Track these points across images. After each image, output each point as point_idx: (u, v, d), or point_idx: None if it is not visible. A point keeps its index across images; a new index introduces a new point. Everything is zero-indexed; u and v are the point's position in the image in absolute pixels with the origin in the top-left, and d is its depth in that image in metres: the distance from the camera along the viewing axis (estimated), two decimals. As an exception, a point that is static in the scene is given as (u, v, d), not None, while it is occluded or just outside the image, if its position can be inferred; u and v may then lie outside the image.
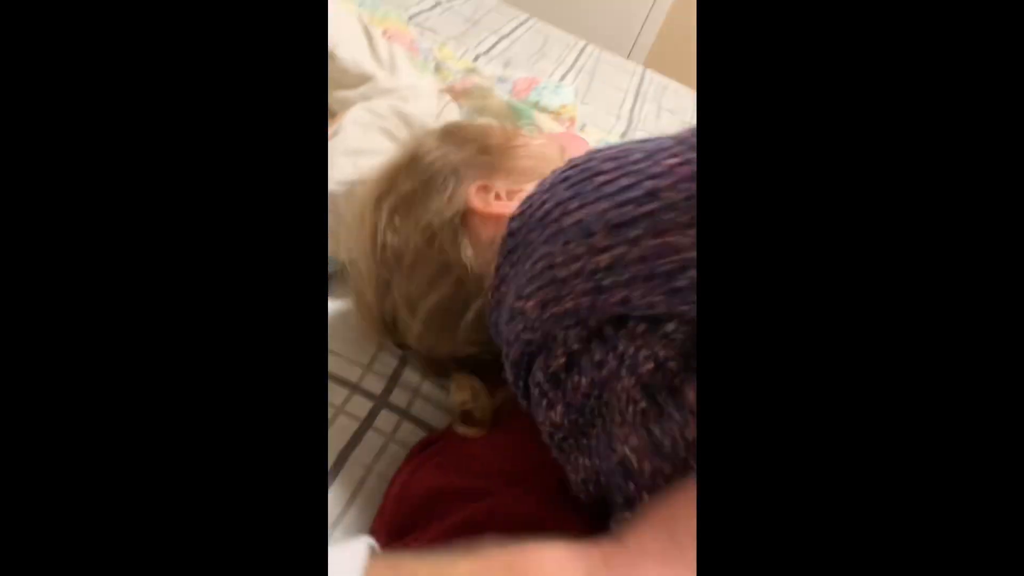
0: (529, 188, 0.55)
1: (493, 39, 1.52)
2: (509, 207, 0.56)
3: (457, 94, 1.02)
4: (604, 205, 0.47)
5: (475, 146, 0.65)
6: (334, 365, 0.67)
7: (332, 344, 0.68)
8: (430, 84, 1.01)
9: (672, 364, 0.46)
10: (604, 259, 0.46)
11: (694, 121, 0.59)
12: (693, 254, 0.44)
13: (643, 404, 0.46)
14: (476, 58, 1.39)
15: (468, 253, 0.59)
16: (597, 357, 0.48)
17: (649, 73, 1.71)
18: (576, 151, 0.58)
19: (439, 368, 0.68)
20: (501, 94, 1.03)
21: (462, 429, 0.60)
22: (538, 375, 0.51)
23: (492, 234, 0.56)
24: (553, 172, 0.53)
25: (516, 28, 1.64)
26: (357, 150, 0.77)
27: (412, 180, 0.63)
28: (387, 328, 0.66)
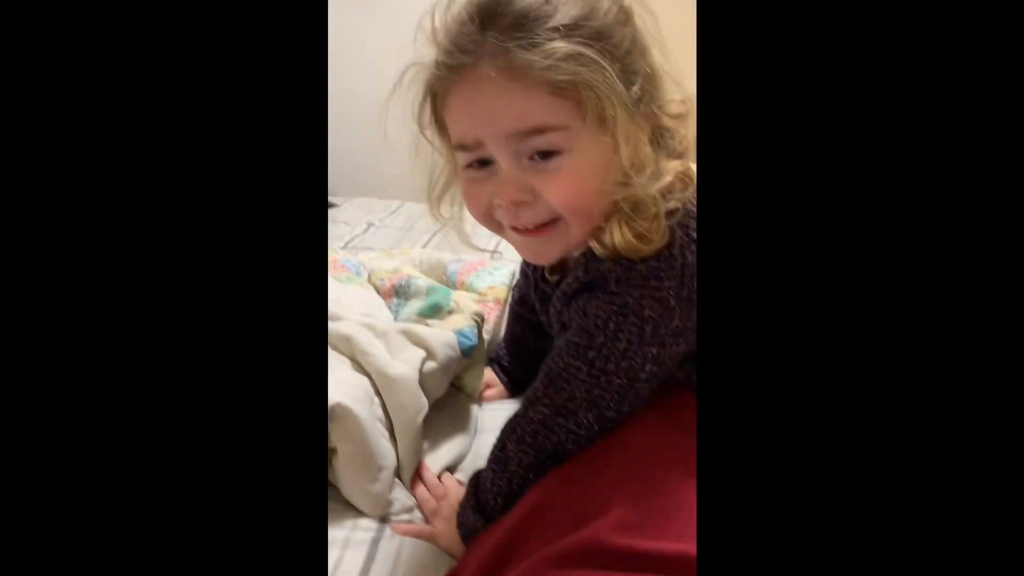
0: None
1: (427, 236, 1.60)
2: None
3: (386, 293, 1.06)
4: None
5: None
6: None
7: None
8: (356, 290, 1.05)
9: None
10: None
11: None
12: None
13: None
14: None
15: None
16: None
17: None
18: None
19: None
20: (422, 279, 1.07)
21: None
22: None
23: None
24: None
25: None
26: None
27: None
28: None
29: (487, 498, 0.66)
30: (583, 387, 0.61)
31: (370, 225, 1.69)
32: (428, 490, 0.76)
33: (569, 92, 0.54)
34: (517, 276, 0.97)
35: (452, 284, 1.15)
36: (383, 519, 0.72)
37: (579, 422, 0.62)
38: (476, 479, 0.69)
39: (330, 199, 1.84)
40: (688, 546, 0.51)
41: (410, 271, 1.15)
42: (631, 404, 0.63)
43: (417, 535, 0.70)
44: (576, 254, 0.65)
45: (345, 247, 1.52)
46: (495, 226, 0.66)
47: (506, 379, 0.97)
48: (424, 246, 1.54)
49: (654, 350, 0.60)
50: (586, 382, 0.61)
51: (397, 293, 1.05)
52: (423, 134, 0.67)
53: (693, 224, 0.60)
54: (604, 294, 0.60)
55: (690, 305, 0.59)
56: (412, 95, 0.66)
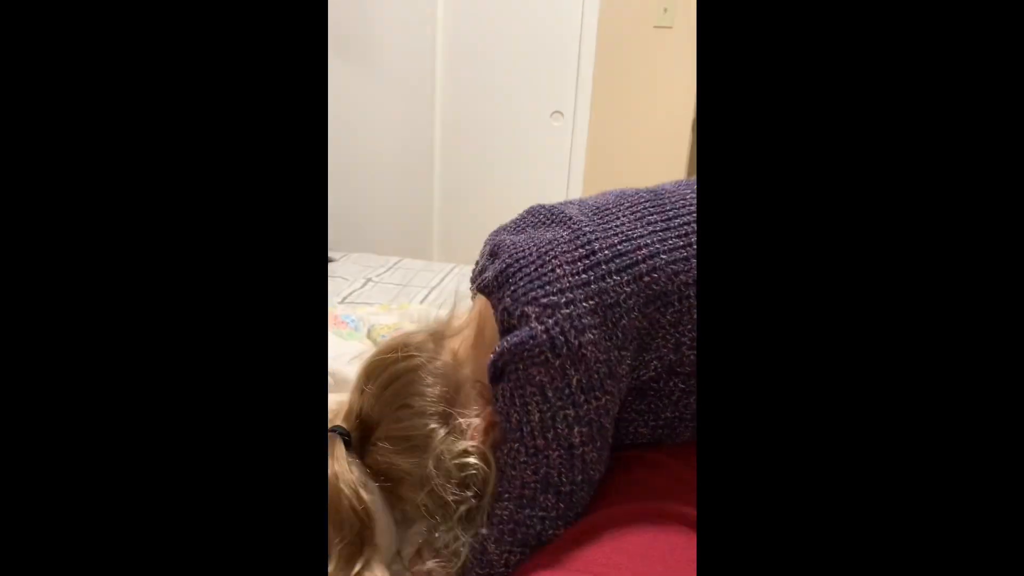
0: None
1: (424, 292, 1.62)
2: None
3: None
4: None
5: None
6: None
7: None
8: (356, 346, 1.06)
9: None
10: None
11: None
12: None
13: None
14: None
15: None
16: None
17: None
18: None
19: None
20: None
21: None
22: None
23: None
24: None
25: (444, 277, 1.75)
26: None
27: None
28: None
29: None
30: (529, 469, 0.63)
31: (368, 280, 1.71)
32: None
33: None
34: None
35: (449, 338, 1.16)
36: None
37: (543, 506, 0.63)
38: None
39: (328, 254, 1.87)
40: None
41: (410, 327, 1.16)
42: (585, 473, 0.64)
43: None
44: None
45: (343, 302, 1.53)
46: None
47: None
48: (422, 302, 1.55)
49: (570, 412, 0.61)
50: (528, 463, 0.63)
51: (394, 347, 1.06)
52: None
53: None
54: (502, 381, 0.63)
55: (580, 362, 0.61)
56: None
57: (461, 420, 0.69)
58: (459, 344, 0.74)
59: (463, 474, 0.67)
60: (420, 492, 0.67)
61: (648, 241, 0.64)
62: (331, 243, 1.73)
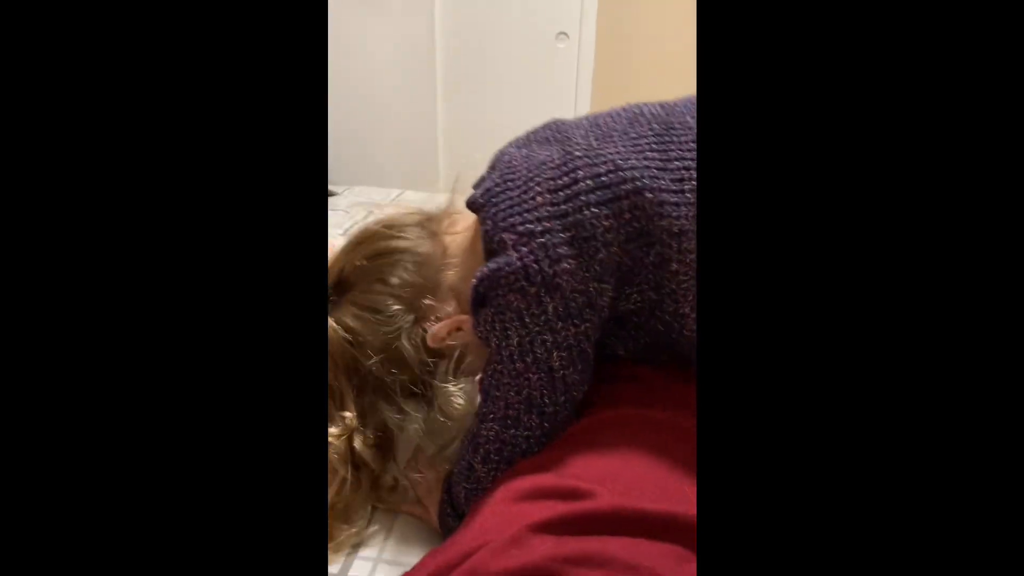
0: None
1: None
2: None
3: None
4: None
5: None
6: None
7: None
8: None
9: None
10: None
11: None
12: None
13: None
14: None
15: None
16: None
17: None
18: None
19: None
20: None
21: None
22: None
23: None
24: None
25: (449, 208, 1.73)
26: None
27: None
28: None
29: (464, 508, 0.69)
30: (512, 391, 0.65)
31: (370, 213, 1.69)
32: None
33: None
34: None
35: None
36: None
37: (527, 425, 0.66)
38: (450, 490, 0.72)
39: (330, 187, 1.84)
40: (669, 507, 0.52)
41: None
42: (567, 394, 0.66)
43: (410, 512, 0.76)
44: None
45: (344, 234, 1.51)
46: None
47: None
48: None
49: (548, 337, 0.63)
50: (512, 384, 0.65)
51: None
52: None
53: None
54: (484, 307, 0.65)
55: (555, 290, 0.62)
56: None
57: (430, 315, 0.72)
58: (453, 245, 0.75)
59: (418, 357, 0.71)
60: (373, 358, 0.71)
61: (637, 175, 0.62)
62: (332, 177, 1.71)
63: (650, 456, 0.60)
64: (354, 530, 0.72)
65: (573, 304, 0.62)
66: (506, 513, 0.56)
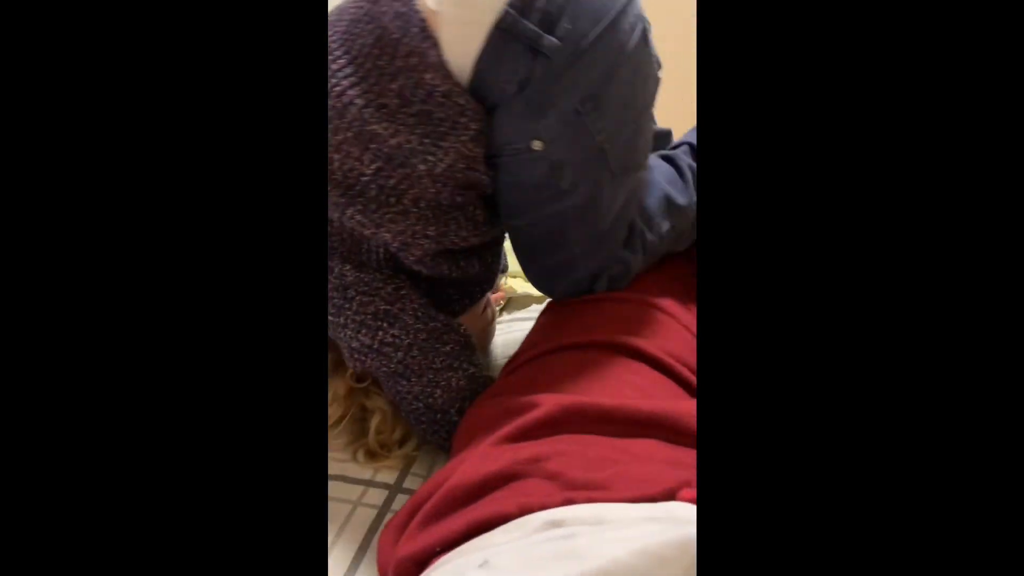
0: None
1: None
2: None
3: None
4: None
5: None
6: (346, 469, 0.76)
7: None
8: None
9: None
10: None
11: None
12: None
13: None
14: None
15: None
16: None
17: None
18: None
19: None
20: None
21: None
22: None
23: None
24: None
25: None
26: None
27: None
28: None
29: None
30: None
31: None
32: None
33: None
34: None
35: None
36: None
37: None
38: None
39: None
40: (657, 405, 0.58)
41: None
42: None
43: None
44: None
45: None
46: None
47: None
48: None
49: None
50: None
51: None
52: None
53: None
54: None
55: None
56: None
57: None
58: None
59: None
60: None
61: None
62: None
63: (591, 368, 0.65)
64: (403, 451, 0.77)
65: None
66: (472, 436, 0.62)
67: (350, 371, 0.75)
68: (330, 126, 0.65)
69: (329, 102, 0.65)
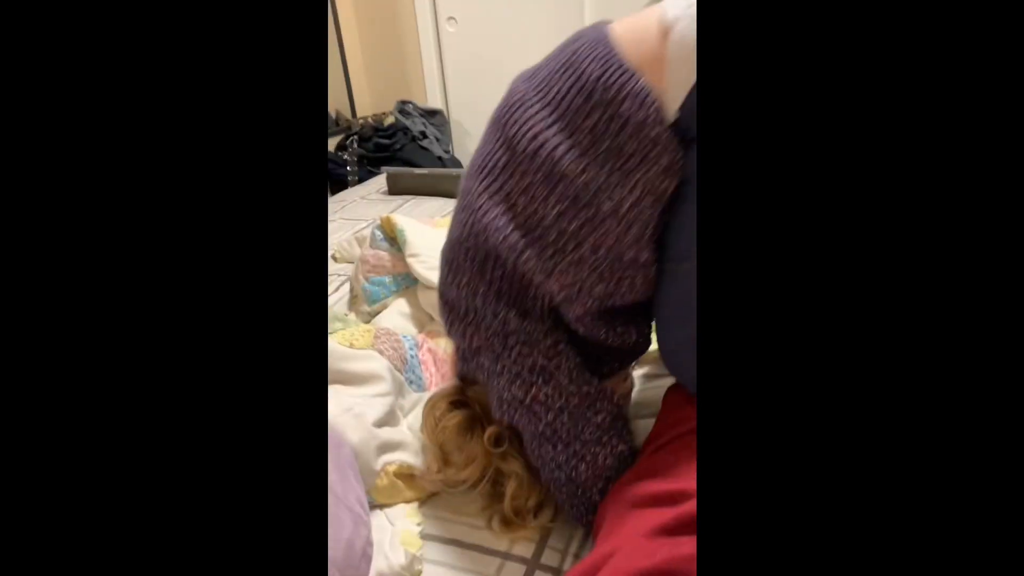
0: None
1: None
2: None
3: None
4: None
5: None
6: (483, 538, 0.73)
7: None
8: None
9: None
10: None
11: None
12: None
13: None
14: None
15: None
16: None
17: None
18: None
19: None
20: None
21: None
22: None
23: None
24: None
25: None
26: None
27: None
28: None
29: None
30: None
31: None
32: None
33: None
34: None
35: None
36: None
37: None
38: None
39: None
40: None
41: None
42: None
43: None
44: None
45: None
46: None
47: None
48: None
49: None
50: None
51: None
52: None
53: None
54: None
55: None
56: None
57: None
58: None
59: None
60: None
61: None
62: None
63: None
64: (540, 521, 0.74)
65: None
66: (621, 521, 0.59)
67: (488, 433, 0.74)
68: (520, 169, 0.65)
69: (520, 145, 0.65)
